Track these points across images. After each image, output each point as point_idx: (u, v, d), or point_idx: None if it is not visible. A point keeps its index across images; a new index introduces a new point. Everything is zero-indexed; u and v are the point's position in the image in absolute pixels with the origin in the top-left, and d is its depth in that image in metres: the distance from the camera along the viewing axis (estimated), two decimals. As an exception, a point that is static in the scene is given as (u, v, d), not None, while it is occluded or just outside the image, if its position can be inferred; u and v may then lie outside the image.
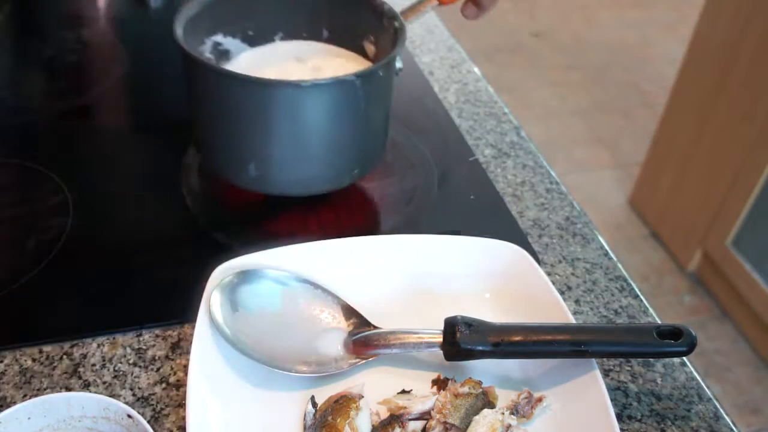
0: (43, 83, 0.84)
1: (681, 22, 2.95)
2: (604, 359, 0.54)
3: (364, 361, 0.51)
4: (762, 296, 1.66)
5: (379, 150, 0.65)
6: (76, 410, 0.41)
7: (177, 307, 0.55)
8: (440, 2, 0.65)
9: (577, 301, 0.59)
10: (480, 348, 0.48)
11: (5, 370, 0.50)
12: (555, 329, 0.49)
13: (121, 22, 0.96)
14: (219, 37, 0.66)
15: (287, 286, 0.54)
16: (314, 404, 0.47)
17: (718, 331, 1.78)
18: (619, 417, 0.50)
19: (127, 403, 0.48)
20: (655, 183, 2.00)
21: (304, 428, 0.46)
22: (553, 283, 0.55)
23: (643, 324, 0.57)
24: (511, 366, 0.51)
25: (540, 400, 0.48)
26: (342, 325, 0.53)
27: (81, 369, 0.51)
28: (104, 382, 0.50)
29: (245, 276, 0.52)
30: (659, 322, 0.57)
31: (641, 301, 0.60)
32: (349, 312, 0.53)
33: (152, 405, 0.49)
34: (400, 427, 0.46)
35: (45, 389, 0.49)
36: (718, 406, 0.52)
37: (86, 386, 0.50)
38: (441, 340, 0.49)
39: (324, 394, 0.48)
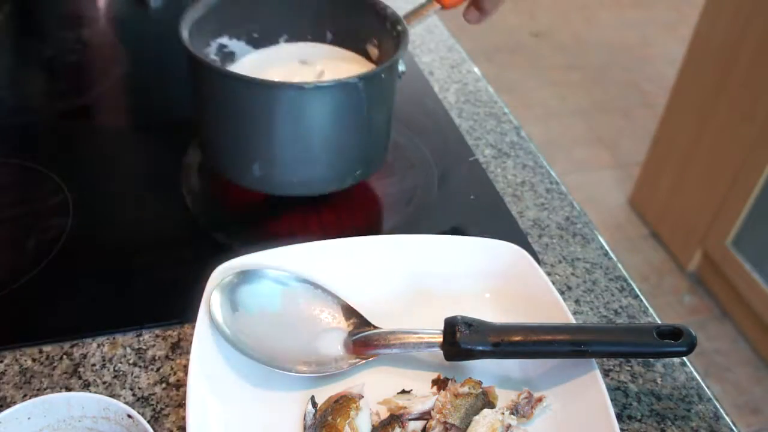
0: (43, 83, 0.84)
1: (681, 22, 2.95)
2: (604, 359, 0.54)
3: (364, 361, 0.51)
4: (762, 296, 1.66)
5: (381, 152, 0.65)
6: (76, 410, 0.41)
7: (177, 307, 0.55)
8: (443, 7, 0.65)
9: (577, 301, 0.59)
10: (480, 348, 0.48)
11: (5, 370, 0.50)
12: (555, 329, 0.49)
13: (121, 22, 0.96)
14: (224, 39, 0.67)
15: (287, 286, 0.54)
16: (314, 404, 0.47)
17: (718, 331, 1.78)
18: (619, 417, 0.50)
19: (127, 403, 0.48)
20: (655, 183, 2.00)
21: (304, 428, 0.46)
22: (553, 283, 0.55)
23: (643, 324, 0.57)
24: (511, 366, 0.51)
25: (540, 400, 0.48)
26: (342, 325, 0.53)
27: (81, 369, 0.51)
28: (104, 382, 0.50)
29: (245, 276, 0.52)
30: (659, 322, 0.57)
31: (641, 301, 0.60)
32: (349, 312, 0.53)
33: (152, 405, 0.49)
34: (400, 427, 0.46)
35: (45, 389, 0.49)
36: (718, 406, 0.52)
37: (86, 386, 0.50)
38: (441, 340, 0.49)
39: (324, 394, 0.48)
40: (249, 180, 0.61)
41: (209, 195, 0.68)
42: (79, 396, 0.41)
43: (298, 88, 0.55)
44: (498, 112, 0.82)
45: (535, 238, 0.65)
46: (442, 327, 0.50)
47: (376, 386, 0.49)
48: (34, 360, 0.51)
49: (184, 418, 0.46)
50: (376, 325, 0.53)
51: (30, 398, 0.41)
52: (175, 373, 0.51)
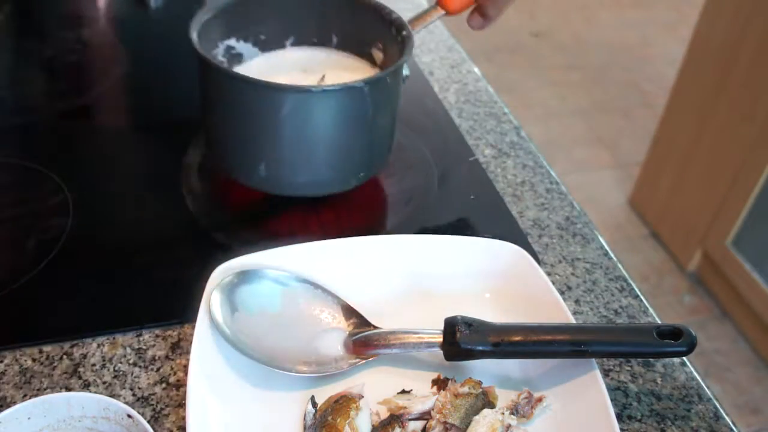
0: (43, 83, 0.84)
1: (681, 22, 2.95)
2: (604, 359, 0.54)
3: (364, 361, 0.51)
4: (762, 296, 1.66)
5: (384, 154, 0.66)
6: (76, 410, 0.41)
7: (177, 307, 0.55)
8: (447, 12, 0.65)
9: (577, 301, 0.59)
10: (480, 348, 0.48)
11: (5, 370, 0.50)
12: (555, 329, 0.49)
13: (121, 22, 0.96)
14: (232, 41, 0.68)
15: (287, 286, 0.54)
16: (314, 404, 0.47)
17: (718, 331, 1.78)
18: (619, 417, 0.50)
19: (127, 403, 0.48)
20: (655, 183, 2.00)
21: (304, 428, 0.46)
22: (553, 283, 0.55)
23: (643, 324, 0.57)
24: (511, 366, 0.51)
25: (540, 400, 0.48)
26: (342, 325, 0.53)
27: (81, 369, 0.51)
28: (104, 382, 0.50)
29: (245, 276, 0.52)
30: (659, 322, 0.57)
31: (641, 301, 0.60)
32: (349, 312, 0.53)
33: (152, 405, 0.49)
34: (400, 427, 0.46)
35: (45, 389, 0.49)
36: (718, 406, 0.52)
37: (86, 386, 0.50)
38: (441, 340, 0.49)
39: (324, 394, 0.48)
40: (255, 180, 0.62)
41: (209, 195, 0.68)
42: (79, 396, 0.41)
43: (306, 91, 0.57)
44: (498, 112, 0.82)
45: (535, 238, 0.65)
46: (442, 327, 0.50)
47: (376, 386, 0.49)
48: (34, 360, 0.51)
49: (184, 418, 0.46)
50: (376, 325, 0.53)
51: (30, 398, 0.41)
52: (175, 373, 0.51)
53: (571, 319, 0.51)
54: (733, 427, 0.51)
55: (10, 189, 0.67)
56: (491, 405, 0.48)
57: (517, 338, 0.48)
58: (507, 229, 0.65)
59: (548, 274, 0.61)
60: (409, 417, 0.46)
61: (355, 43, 0.70)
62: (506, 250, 0.57)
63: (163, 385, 0.50)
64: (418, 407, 0.47)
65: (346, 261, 0.56)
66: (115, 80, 0.84)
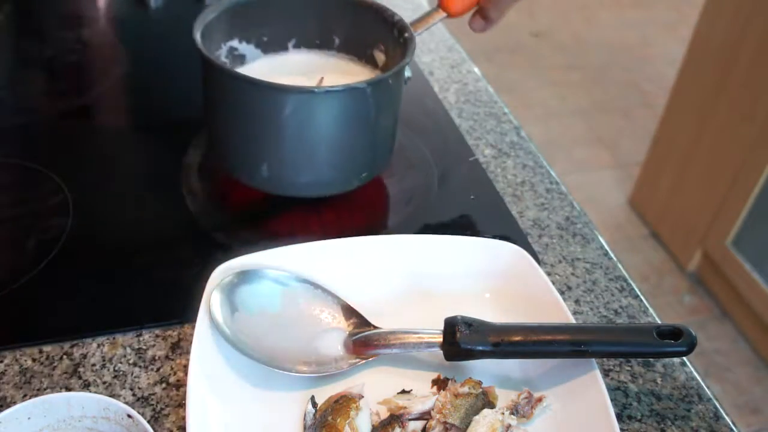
0: (43, 83, 0.84)
1: (681, 22, 2.95)
2: (604, 359, 0.54)
3: (364, 361, 0.51)
4: (762, 296, 1.66)
5: (386, 155, 0.66)
6: (76, 410, 0.41)
7: (177, 307, 0.55)
8: (449, 15, 0.66)
9: (577, 301, 0.59)
10: (480, 348, 0.48)
11: (5, 370, 0.50)
12: (555, 329, 0.49)
13: (121, 22, 0.96)
14: (234, 42, 0.68)
15: (287, 286, 0.54)
16: (314, 404, 0.47)
17: (718, 331, 1.78)
18: (619, 417, 0.50)
19: (127, 403, 0.48)
20: (655, 183, 2.00)
21: (304, 428, 0.46)
22: (553, 283, 0.55)
23: (643, 324, 0.57)
24: (511, 366, 0.51)
25: (540, 400, 0.48)
26: (342, 325, 0.53)
27: (81, 369, 0.51)
28: (104, 382, 0.50)
29: (245, 276, 0.52)
30: (659, 322, 0.57)
31: (641, 301, 0.60)
32: (349, 312, 0.53)
33: (152, 405, 0.49)
34: (400, 427, 0.46)
35: (45, 389, 0.49)
36: (718, 406, 0.52)
37: (86, 386, 0.50)
38: (441, 340, 0.49)
39: (324, 394, 0.48)
40: (257, 180, 0.62)
41: (209, 195, 0.68)
42: (79, 396, 0.41)
43: (309, 91, 0.57)
44: (498, 112, 0.82)
45: (535, 238, 0.65)
46: (442, 327, 0.50)
47: (376, 386, 0.49)
48: (34, 360, 0.51)
49: (184, 418, 0.46)
50: (376, 325, 0.53)
51: (30, 398, 0.41)
52: (175, 373, 0.51)
53: (571, 319, 0.51)
54: (733, 427, 0.51)
55: (10, 189, 0.67)
56: (491, 405, 0.48)
57: (517, 338, 0.48)
58: (507, 229, 0.65)
59: (548, 274, 0.61)
60: (409, 417, 0.46)
61: (357, 45, 0.70)
62: (506, 250, 0.57)
63: (163, 385, 0.50)
64: (418, 407, 0.47)
65: (346, 261, 0.56)
66: (115, 80, 0.84)
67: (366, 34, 0.68)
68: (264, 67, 0.69)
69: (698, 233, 1.83)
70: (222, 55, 0.67)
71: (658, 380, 0.53)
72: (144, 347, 0.53)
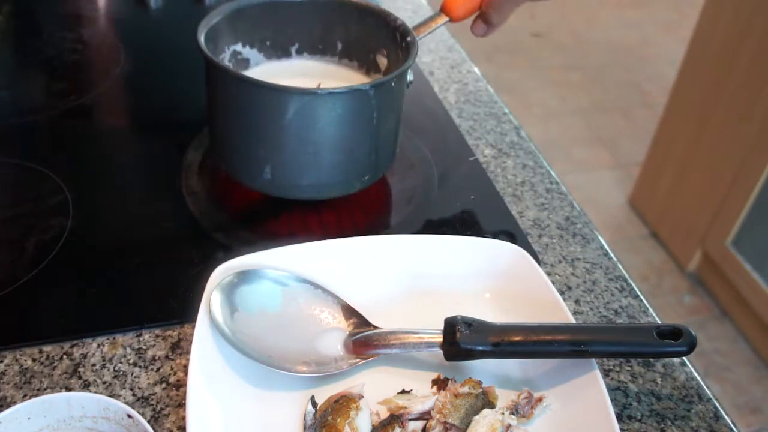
0: (43, 83, 0.84)
1: (681, 22, 2.95)
2: (604, 359, 0.54)
3: (364, 361, 0.51)
4: (762, 296, 1.66)
5: (389, 157, 0.66)
6: (76, 410, 0.41)
7: (177, 307, 0.55)
8: (451, 19, 0.66)
9: (577, 301, 0.59)
10: (480, 348, 0.48)
11: (5, 370, 0.50)
12: (555, 329, 0.49)
13: (121, 22, 0.96)
14: (238, 46, 0.68)
15: (287, 286, 0.54)
16: (314, 404, 0.47)
17: (718, 331, 1.79)
18: (619, 417, 0.50)
19: (127, 403, 0.48)
20: (655, 183, 2.00)
21: (304, 428, 0.46)
22: (553, 283, 0.55)
23: (643, 324, 0.57)
24: (511, 366, 0.51)
25: (540, 400, 0.48)
26: (342, 325, 0.53)
27: (81, 369, 0.51)
28: (104, 382, 0.50)
29: (245, 276, 0.52)
30: (659, 322, 0.57)
31: (641, 301, 0.60)
32: (349, 312, 0.53)
33: (152, 405, 0.49)
34: (400, 427, 0.46)
35: (45, 389, 0.49)
36: (718, 406, 0.52)
37: (86, 386, 0.50)
38: (441, 340, 0.49)
39: (324, 394, 0.48)
40: (260, 183, 0.62)
41: (209, 195, 0.68)
42: (79, 396, 0.41)
43: (312, 93, 0.57)
44: (498, 112, 0.82)
45: (535, 238, 0.65)
46: (442, 327, 0.50)
47: (376, 386, 0.49)
48: (34, 360, 0.51)
49: (184, 418, 0.46)
50: (376, 325, 0.53)
51: (30, 398, 0.41)
52: (175, 373, 0.51)
53: (571, 319, 0.51)
54: (733, 427, 0.51)
55: (10, 189, 0.67)
56: (491, 405, 0.48)
57: (517, 338, 0.48)
58: (507, 229, 0.65)
59: (548, 274, 0.61)
60: (409, 417, 0.46)
61: (359, 49, 0.70)
62: (506, 250, 0.57)
63: (163, 385, 0.50)
64: (418, 407, 0.47)
65: (346, 261, 0.56)
66: (115, 80, 0.84)
67: (369, 38, 0.69)
68: (266, 72, 0.69)
69: (698, 233, 1.83)
70: (225, 59, 0.67)
71: (658, 380, 0.53)
72: (144, 347, 0.53)
